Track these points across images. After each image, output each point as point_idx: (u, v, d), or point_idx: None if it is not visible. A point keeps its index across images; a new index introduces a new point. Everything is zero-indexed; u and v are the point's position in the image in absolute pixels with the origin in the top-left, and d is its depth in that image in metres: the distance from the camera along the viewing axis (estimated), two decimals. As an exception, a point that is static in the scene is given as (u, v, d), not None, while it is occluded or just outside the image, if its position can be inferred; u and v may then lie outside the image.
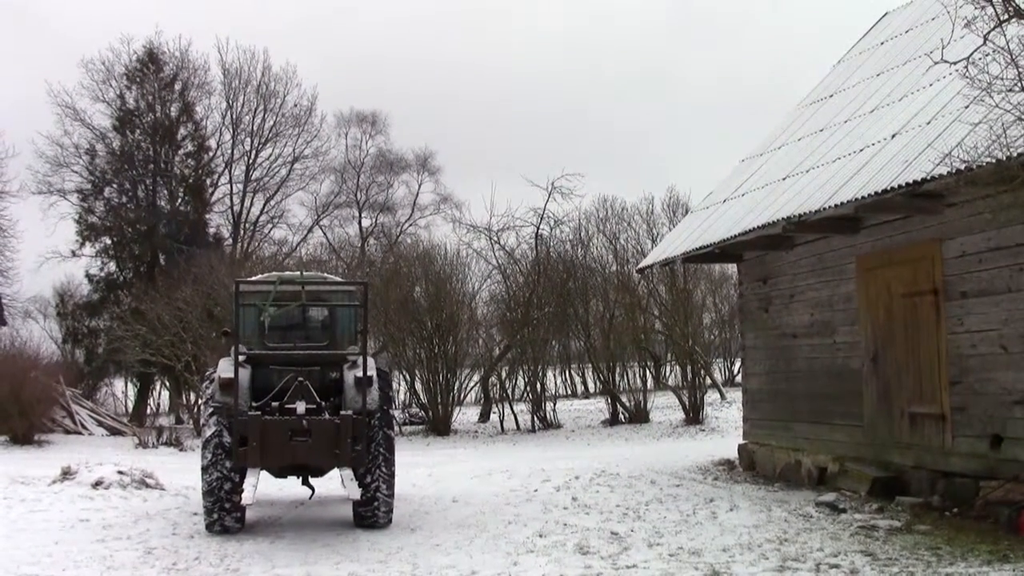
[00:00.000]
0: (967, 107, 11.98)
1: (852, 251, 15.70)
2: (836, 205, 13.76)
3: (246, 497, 12.30)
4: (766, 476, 17.69)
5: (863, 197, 13.15)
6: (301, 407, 13.10)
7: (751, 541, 11.65)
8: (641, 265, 23.82)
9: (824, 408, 16.52)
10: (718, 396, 37.71)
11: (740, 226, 16.68)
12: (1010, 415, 12.43)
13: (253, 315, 14.15)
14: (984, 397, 12.88)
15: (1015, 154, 10.12)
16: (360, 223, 54.62)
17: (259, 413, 12.93)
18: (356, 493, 12.68)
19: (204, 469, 12.98)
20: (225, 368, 13.34)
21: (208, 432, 13.08)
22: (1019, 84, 9.88)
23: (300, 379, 13.39)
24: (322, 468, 13.55)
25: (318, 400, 13.34)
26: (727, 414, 32.40)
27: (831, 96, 19.87)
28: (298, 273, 15.05)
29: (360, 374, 13.26)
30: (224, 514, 12.91)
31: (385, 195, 55.70)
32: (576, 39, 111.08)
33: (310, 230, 50.52)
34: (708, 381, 36.08)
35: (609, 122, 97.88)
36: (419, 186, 56.45)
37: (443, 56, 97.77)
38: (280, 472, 13.80)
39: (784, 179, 17.15)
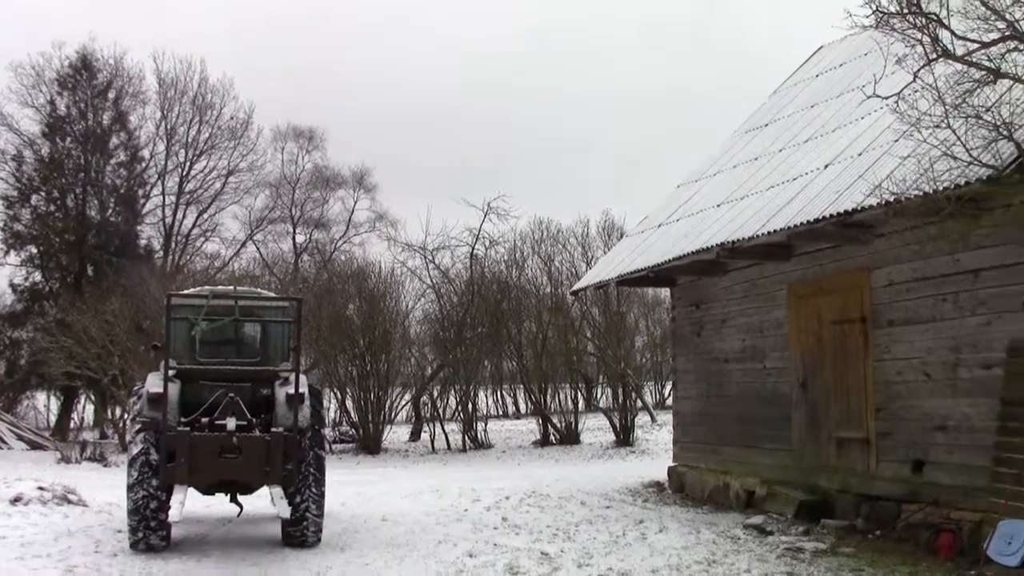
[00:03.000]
0: (897, 141, 12.29)
1: (784, 278, 15.97)
2: (769, 233, 14.02)
3: (173, 514, 12.21)
4: (695, 498, 17.89)
5: (795, 225, 13.42)
6: (231, 423, 12.90)
7: (680, 562, 11.80)
8: (575, 287, 23.98)
9: (753, 432, 16.76)
10: (649, 419, 37.98)
11: (674, 251, 16.90)
12: (932, 441, 12.73)
13: (184, 329, 13.94)
14: (908, 423, 13.17)
15: (941, 188, 10.42)
16: (294, 239, 54.34)
17: (188, 429, 12.74)
18: (287, 512, 12.61)
19: (130, 486, 12.68)
20: (154, 383, 13.13)
21: (135, 448, 12.82)
22: (946, 121, 10.17)
23: (231, 395, 13.19)
24: (251, 486, 13.37)
25: (249, 417, 13.15)
26: (657, 436, 32.65)
27: (766, 125, 20.21)
28: (231, 287, 14.97)
29: (292, 391, 13.13)
30: (149, 532, 12.66)
31: (320, 211, 55.48)
32: (520, 59, 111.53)
33: (243, 245, 50.21)
34: (639, 403, 36.31)
35: (547, 142, 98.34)
36: (355, 203, 56.27)
37: (383, 74, 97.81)
38: (208, 489, 13.57)
39: (719, 206, 17.41)
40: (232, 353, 14.41)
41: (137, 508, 12.56)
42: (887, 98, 10.87)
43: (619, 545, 13.13)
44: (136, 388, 13.82)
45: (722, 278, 17.74)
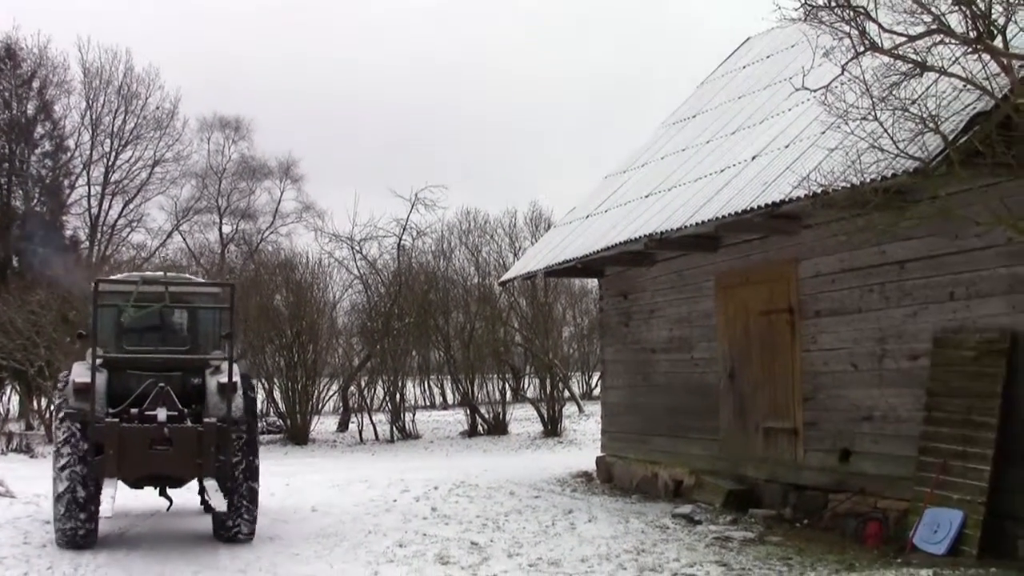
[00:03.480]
0: (824, 133, 12.39)
1: (711, 269, 16.06)
2: (697, 223, 14.07)
3: (104, 509, 11.83)
4: (624, 488, 17.95)
5: (723, 216, 13.48)
6: (162, 414, 12.46)
7: (609, 552, 11.83)
8: (503, 278, 23.97)
9: (682, 422, 16.85)
10: (576, 409, 38.10)
11: (603, 242, 16.92)
12: (858, 430, 12.88)
13: (111, 317, 13.43)
14: (835, 413, 13.32)
15: (869, 179, 10.51)
16: (220, 229, 53.76)
17: (117, 420, 12.29)
18: (222, 505, 12.21)
19: (57, 478, 12.27)
20: (80, 372, 12.73)
21: (61, 438, 12.40)
22: (873, 113, 10.25)
23: (161, 384, 12.77)
24: (183, 479, 12.94)
25: (180, 407, 12.73)
26: (585, 427, 32.74)
27: (694, 116, 20.30)
28: (161, 273, 14.62)
29: (224, 380, 12.80)
30: (78, 524, 12.20)
31: (247, 202, 54.99)
32: (447, 47, 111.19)
33: (169, 235, 49.64)
34: (567, 394, 36.41)
35: (475, 133, 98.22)
36: (281, 193, 55.88)
37: (309, 64, 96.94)
38: (137, 483, 13.01)
39: (647, 196, 17.46)
40: (160, 341, 13.89)
41: (63, 500, 12.14)
42: (815, 90, 10.92)
43: (549, 535, 13.13)
44: (62, 377, 13.41)
45: (650, 269, 17.79)
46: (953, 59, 10.23)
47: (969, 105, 10.28)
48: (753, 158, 14.86)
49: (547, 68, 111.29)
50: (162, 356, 13.56)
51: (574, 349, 48.47)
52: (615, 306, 19.52)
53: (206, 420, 12.53)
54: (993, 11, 9.60)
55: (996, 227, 10.21)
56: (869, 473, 12.67)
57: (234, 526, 12.81)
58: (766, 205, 12.64)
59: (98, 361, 12.70)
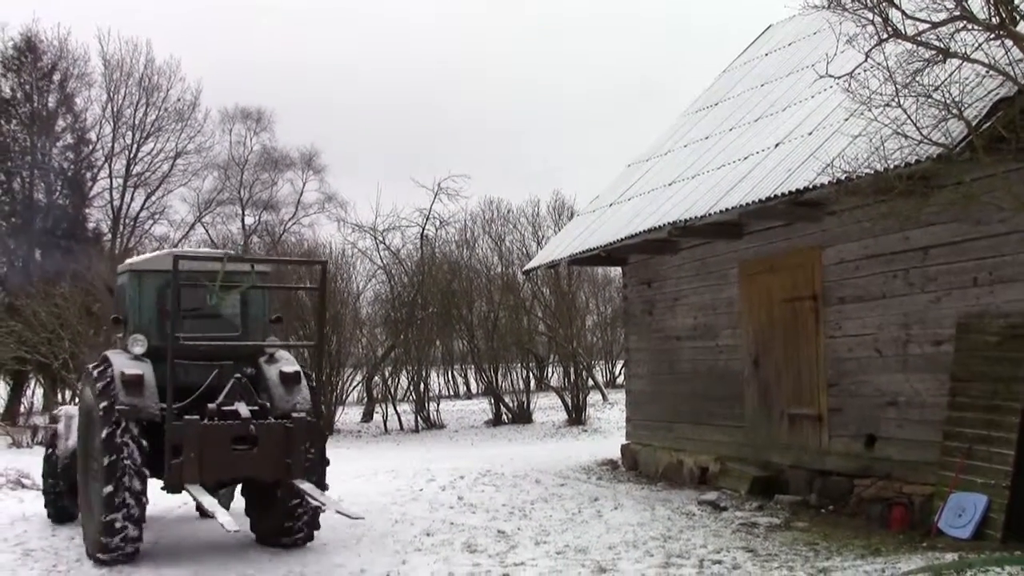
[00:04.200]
0: (847, 120, 12.40)
1: (735, 256, 16.09)
2: (721, 211, 14.11)
3: (229, 523, 10.28)
4: (649, 476, 18.01)
5: (747, 204, 13.51)
6: (244, 409, 11.46)
7: (636, 539, 11.90)
8: (527, 267, 24.02)
9: (706, 409, 16.89)
10: (600, 397, 38.17)
11: (626, 230, 16.96)
12: (883, 416, 12.91)
13: (150, 299, 12.12)
14: (859, 399, 13.35)
15: (892, 166, 10.54)
16: (243, 220, 53.83)
17: (197, 417, 11.07)
18: (332, 505, 11.14)
19: (98, 483, 11.02)
20: (125, 363, 11.44)
21: (107, 438, 10.92)
22: (897, 99, 10.27)
23: (238, 376, 11.82)
24: (268, 481, 11.62)
25: (260, 401, 11.77)
26: (609, 415, 32.81)
27: (716, 104, 20.30)
28: (235, 248, 13.53)
29: (287, 369, 11.98)
30: (128, 540, 10.97)
31: (269, 193, 54.98)
32: (471, 39, 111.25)
33: (192, 227, 49.68)
34: (590, 382, 36.49)
35: (497, 123, 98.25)
36: (303, 184, 55.85)
37: (332, 53, 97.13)
38: (216, 487, 11.66)
39: (670, 184, 17.49)
40: (209, 327, 12.35)
41: (111, 509, 10.78)
42: (839, 77, 10.95)
43: (575, 522, 13.21)
44: (92, 369, 11.76)
45: (674, 257, 17.83)
46: (976, 45, 10.25)
47: (992, 91, 10.31)
48: (776, 145, 14.88)
49: (574, 58, 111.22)
50: (221, 344, 12.22)
51: (597, 338, 48.48)
52: (639, 294, 19.56)
53: (295, 415, 11.57)
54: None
55: (1020, 212, 10.22)
56: (894, 458, 12.70)
57: (296, 530, 11.89)
58: (790, 192, 12.67)
59: (140, 350, 11.74)
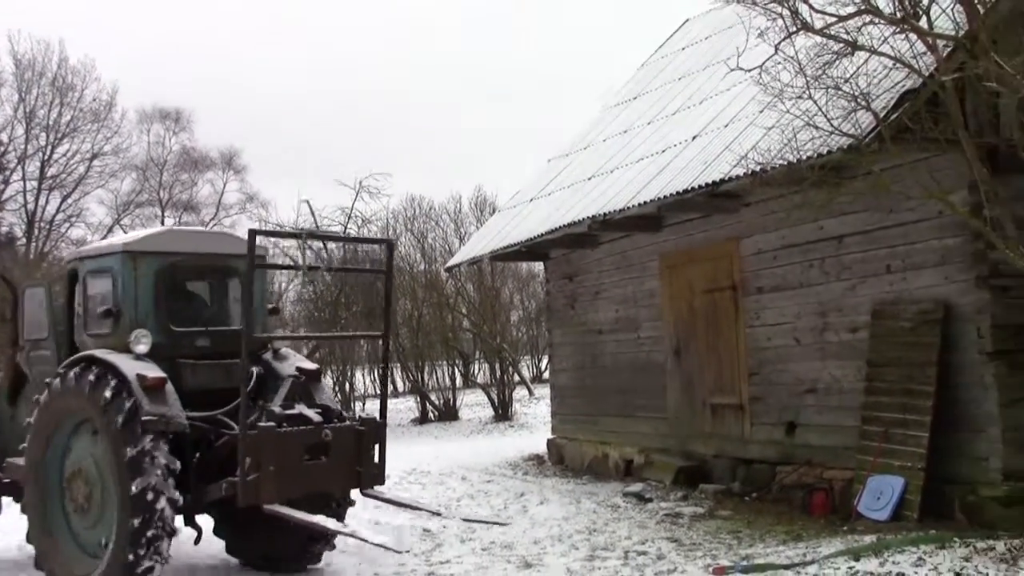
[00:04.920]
0: (761, 112, 12.54)
1: (655, 248, 16.23)
2: (640, 204, 14.22)
3: (396, 544, 9.43)
4: (575, 470, 18.11)
5: (665, 196, 13.64)
6: (312, 414, 9.92)
7: (562, 533, 11.97)
8: (449, 264, 24.00)
9: (630, 402, 17.02)
10: (527, 393, 38.25)
11: (547, 225, 17.03)
12: (803, 403, 13.13)
13: (147, 287, 10.22)
14: (780, 387, 13.56)
15: (804, 157, 10.73)
16: (163, 222, 52.98)
17: (273, 424, 9.47)
18: (430, 507, 10.18)
19: (134, 517, 9.14)
20: (137, 365, 9.63)
21: (137, 462, 9.19)
22: (807, 92, 10.45)
23: (294, 375, 10.40)
24: (335, 495, 10.33)
25: (325, 404, 10.41)
26: (535, 410, 32.87)
27: (636, 98, 20.45)
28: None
29: (306, 365, 10.70)
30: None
31: (189, 194, 54.31)
32: (393, 38, 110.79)
33: (110, 229, 48.90)
34: (516, 378, 36.55)
35: (420, 121, 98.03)
36: (224, 185, 55.25)
37: (250, 52, 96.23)
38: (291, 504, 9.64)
39: (590, 179, 17.60)
40: (207, 319, 10.91)
41: (143, 539, 9.16)
42: (749, 71, 11.09)
43: (501, 518, 13.24)
44: (88, 371, 9.74)
45: (595, 250, 17.94)
46: (883, 39, 10.48)
47: (899, 83, 10.53)
48: (693, 138, 15.03)
49: (490, 56, 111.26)
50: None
51: (523, 333, 48.56)
52: (561, 289, 19.64)
53: (364, 417, 10.49)
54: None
55: (928, 201, 10.45)
56: (814, 444, 12.92)
57: (317, 552, 10.78)
58: (706, 184, 12.81)
59: (145, 348, 9.92)
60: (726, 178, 12.33)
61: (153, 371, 9.54)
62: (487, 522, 10.69)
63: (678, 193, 13.37)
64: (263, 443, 9.19)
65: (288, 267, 10.15)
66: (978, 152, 10.10)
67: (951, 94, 9.80)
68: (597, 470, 17.42)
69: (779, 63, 10.86)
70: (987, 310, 10.82)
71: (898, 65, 10.32)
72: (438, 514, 11.15)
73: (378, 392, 45.10)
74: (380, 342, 10.31)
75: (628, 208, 14.46)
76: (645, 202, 14.09)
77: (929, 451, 10.97)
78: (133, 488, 9.10)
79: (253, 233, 9.41)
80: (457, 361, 37.33)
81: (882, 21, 10.06)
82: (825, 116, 10.38)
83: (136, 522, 9.10)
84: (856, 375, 12.22)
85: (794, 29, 10.37)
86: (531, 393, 38.23)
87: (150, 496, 9.12)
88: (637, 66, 22.80)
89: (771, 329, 13.73)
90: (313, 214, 11.11)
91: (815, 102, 10.45)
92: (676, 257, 15.72)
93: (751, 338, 14.10)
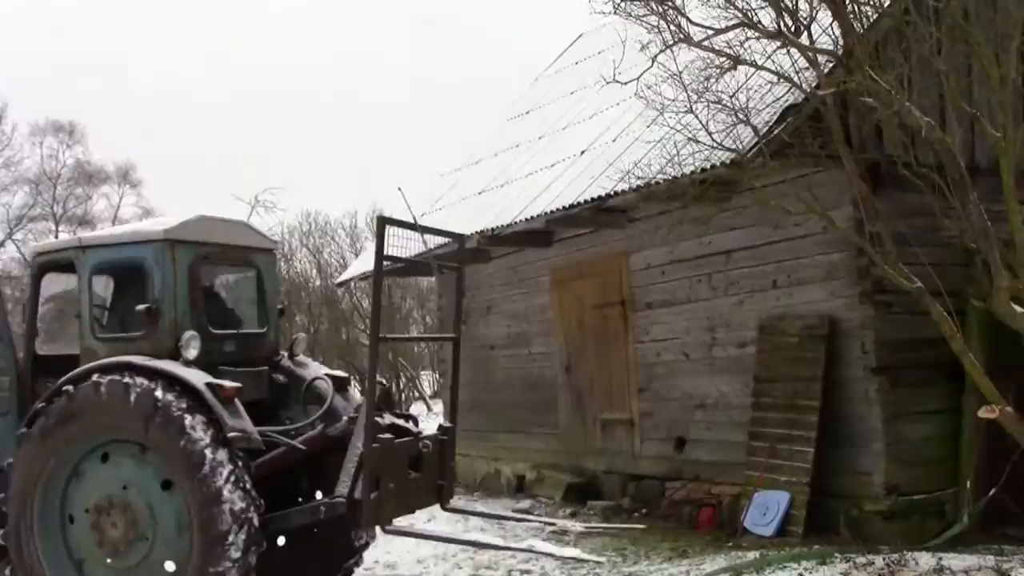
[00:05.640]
0: (648, 127, 12.52)
1: (546, 264, 16.12)
2: (528, 219, 14.10)
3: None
4: (468, 486, 17.87)
5: (552, 211, 13.54)
6: (407, 424, 9.22)
7: (446, 552, 11.78)
8: (340, 279, 23.72)
9: (522, 418, 16.88)
10: (425, 408, 38.02)
11: (437, 239, 16.78)
12: (692, 418, 13.12)
13: (184, 281, 9.02)
14: (669, 402, 13.53)
15: (687, 172, 10.69)
16: (57, 237, 52.03)
17: (390, 436, 8.45)
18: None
19: (221, 562, 8.01)
20: (197, 374, 8.49)
21: (229, 488, 8.10)
22: (689, 106, 10.43)
23: (382, 381, 9.74)
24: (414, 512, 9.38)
25: (405, 412, 9.80)
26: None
27: (528, 112, 20.36)
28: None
29: (335, 373, 9.91)
30: None
31: (84, 208, 53.34)
32: (290, 54, 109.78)
33: (2, 244, 47.96)
34: (416, 393, 36.30)
35: (316, 136, 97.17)
36: (120, 199, 54.35)
37: (145, 66, 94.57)
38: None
39: (480, 193, 17.45)
40: (230, 321, 9.93)
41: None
42: (626, 83, 11.06)
43: (386, 538, 12.94)
44: (127, 380, 8.35)
45: (487, 265, 17.78)
46: (766, 55, 10.50)
47: (781, 98, 10.57)
48: (582, 153, 14.96)
49: (390, 69, 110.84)
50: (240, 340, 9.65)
51: (423, 348, 48.39)
52: (454, 304, 19.40)
53: (443, 425, 9.59)
54: (800, 8, 9.87)
55: (810, 217, 10.48)
56: (703, 460, 12.90)
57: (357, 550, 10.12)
58: (592, 199, 12.73)
59: (195, 354, 8.75)
60: (611, 193, 12.25)
61: (225, 381, 8.48)
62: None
63: (565, 208, 13.27)
64: (383, 457, 8.16)
65: (416, 260, 9.26)
66: (859, 168, 10.17)
67: (832, 110, 9.84)
68: (489, 486, 17.24)
69: (664, 78, 10.83)
70: (871, 326, 10.91)
71: (781, 80, 10.34)
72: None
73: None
74: (452, 345, 9.69)
75: (516, 223, 14.33)
76: (533, 217, 13.97)
77: (814, 466, 11.01)
78: (220, 526, 7.97)
79: (382, 221, 8.48)
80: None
81: (762, 36, 10.07)
82: (707, 131, 10.37)
83: (224, 566, 7.98)
84: (744, 390, 12.23)
85: (672, 42, 10.34)
86: (429, 408, 37.98)
87: (234, 531, 8.01)
88: (532, 80, 22.75)
89: (660, 344, 13.70)
90: (408, 204, 10.15)
91: (697, 117, 10.43)
92: (566, 272, 15.63)
93: (641, 353, 14.05)
